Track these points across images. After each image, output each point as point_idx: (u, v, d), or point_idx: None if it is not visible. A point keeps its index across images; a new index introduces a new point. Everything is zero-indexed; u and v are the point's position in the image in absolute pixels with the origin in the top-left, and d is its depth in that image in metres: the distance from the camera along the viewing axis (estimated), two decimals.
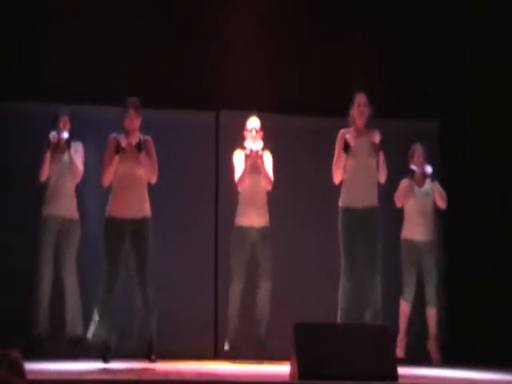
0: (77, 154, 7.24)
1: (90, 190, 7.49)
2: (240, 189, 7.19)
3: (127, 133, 6.52)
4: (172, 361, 6.76)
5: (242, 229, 7.15)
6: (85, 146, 7.36)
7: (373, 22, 8.23)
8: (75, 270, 7.15)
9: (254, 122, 7.26)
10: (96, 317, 6.35)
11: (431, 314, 7.45)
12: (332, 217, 7.15)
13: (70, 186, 7.24)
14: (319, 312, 7.27)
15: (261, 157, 7.15)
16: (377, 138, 6.78)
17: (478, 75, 8.14)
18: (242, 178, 7.15)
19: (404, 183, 7.54)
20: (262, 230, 7.17)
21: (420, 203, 7.50)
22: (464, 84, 8.21)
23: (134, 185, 6.47)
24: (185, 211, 7.88)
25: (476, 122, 8.16)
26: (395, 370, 4.98)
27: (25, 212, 7.43)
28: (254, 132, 7.21)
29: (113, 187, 6.54)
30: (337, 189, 6.97)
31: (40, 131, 7.26)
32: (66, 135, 7.15)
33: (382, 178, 6.80)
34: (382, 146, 6.76)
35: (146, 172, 6.51)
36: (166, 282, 7.40)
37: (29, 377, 3.13)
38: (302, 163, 8.10)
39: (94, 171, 7.19)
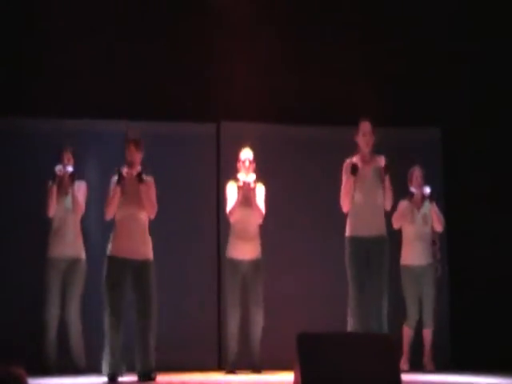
0: (79, 192, 7.24)
1: (96, 221, 7.38)
2: (232, 220, 7.20)
3: (128, 167, 6.40)
4: (176, 373, 6.76)
5: (233, 261, 7.16)
6: (86, 159, 7.36)
7: (373, 30, 8.23)
8: (79, 308, 7.16)
9: (247, 153, 7.24)
10: (107, 354, 6.21)
11: (427, 335, 7.50)
12: (334, 229, 7.19)
13: (74, 223, 7.21)
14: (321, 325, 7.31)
15: (253, 189, 7.14)
16: (382, 162, 6.76)
17: (479, 81, 8.16)
18: (233, 209, 7.16)
19: (402, 205, 7.53)
20: (254, 262, 7.16)
21: (418, 228, 7.52)
22: (465, 90, 8.23)
23: (136, 226, 6.32)
24: (186, 222, 7.88)
25: (477, 129, 8.17)
26: (399, 379, 4.97)
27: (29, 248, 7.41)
28: (247, 163, 7.20)
29: (114, 227, 6.38)
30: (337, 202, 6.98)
31: (39, 148, 7.27)
32: (70, 169, 7.17)
33: (389, 205, 6.79)
34: (388, 170, 6.73)
35: (145, 206, 6.35)
36: (170, 294, 7.40)
37: None
38: (302, 172, 8.11)
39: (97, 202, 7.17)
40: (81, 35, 7.75)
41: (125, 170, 6.37)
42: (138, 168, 6.40)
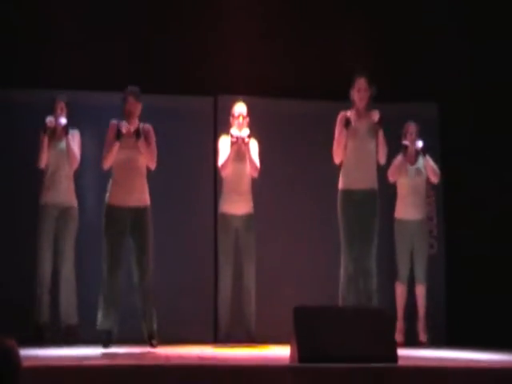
0: (74, 142, 7.18)
1: (89, 177, 7.49)
2: (223, 174, 7.17)
3: (127, 119, 6.52)
4: (172, 345, 6.78)
5: (225, 216, 7.16)
6: (84, 131, 7.35)
7: (371, 7, 8.21)
8: (73, 258, 7.11)
9: (240, 108, 7.21)
10: (101, 306, 6.36)
11: (420, 291, 7.50)
12: (325, 201, 7.21)
13: (67, 173, 7.18)
14: (314, 296, 7.32)
15: (247, 144, 7.09)
16: (376, 116, 6.80)
17: (478, 59, 8.14)
18: (225, 163, 7.11)
19: (397, 160, 7.57)
20: (246, 217, 7.15)
21: (412, 182, 7.55)
22: (463, 67, 8.20)
23: (134, 173, 6.48)
24: (183, 197, 7.88)
25: (476, 104, 8.16)
26: (395, 352, 4.99)
27: (24, 199, 7.41)
28: (240, 118, 7.15)
29: (112, 174, 6.54)
30: (330, 173, 6.99)
31: (38, 118, 7.24)
32: (63, 121, 7.13)
33: (382, 159, 6.84)
34: (382, 124, 6.78)
35: (145, 159, 6.53)
36: (166, 268, 7.42)
37: (27, 364, 3.12)
38: (299, 147, 8.11)
39: (93, 158, 7.18)
40: (77, 7, 7.71)
41: (124, 126, 6.49)
42: (136, 123, 6.52)
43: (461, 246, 7.93)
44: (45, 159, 7.12)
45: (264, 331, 7.17)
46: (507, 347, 6.55)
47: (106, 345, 6.34)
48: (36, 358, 5.36)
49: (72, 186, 7.19)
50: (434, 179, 7.58)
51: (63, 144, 7.17)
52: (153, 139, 6.61)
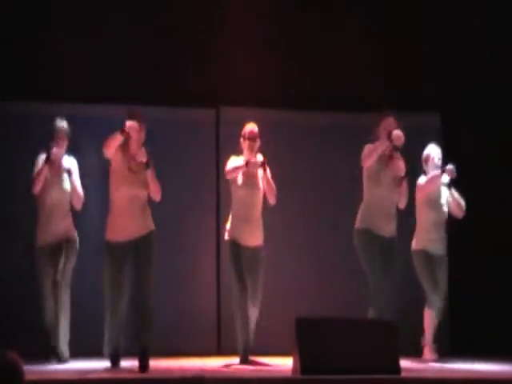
0: (74, 174, 6.78)
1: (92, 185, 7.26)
2: (229, 177, 6.64)
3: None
4: (175, 358, 6.76)
5: (235, 244, 6.60)
6: (84, 144, 7.29)
7: (374, 16, 8.22)
8: (69, 289, 6.63)
9: (252, 129, 6.72)
10: (107, 332, 6.03)
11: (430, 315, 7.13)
12: (333, 213, 7.18)
13: (67, 209, 6.77)
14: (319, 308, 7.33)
15: (261, 168, 6.61)
16: (402, 171, 6.65)
17: (479, 68, 8.16)
18: (234, 169, 6.57)
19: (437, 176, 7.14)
20: (256, 250, 6.63)
21: (438, 215, 7.21)
22: (465, 76, 8.21)
23: (137, 206, 6.09)
24: (186, 208, 7.85)
25: (478, 114, 8.17)
26: (397, 364, 4.98)
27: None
28: (254, 142, 6.65)
29: (113, 208, 6.11)
30: (337, 186, 6.92)
31: (35, 131, 7.24)
32: (63, 156, 6.73)
33: (403, 205, 6.72)
34: (407, 176, 6.66)
35: (152, 191, 6.16)
36: (169, 279, 7.42)
37: (30, 377, 3.12)
38: (301, 157, 8.11)
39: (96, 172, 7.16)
40: (79, 19, 7.73)
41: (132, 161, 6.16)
42: (144, 154, 6.10)
43: (462, 256, 7.89)
44: (41, 186, 6.66)
45: (267, 342, 7.13)
46: (508, 356, 6.54)
47: (114, 364, 6.08)
48: (39, 371, 5.36)
49: (70, 220, 6.79)
50: (460, 214, 7.24)
51: (63, 181, 6.74)
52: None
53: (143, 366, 5.70)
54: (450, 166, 7.01)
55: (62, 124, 6.70)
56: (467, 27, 8.19)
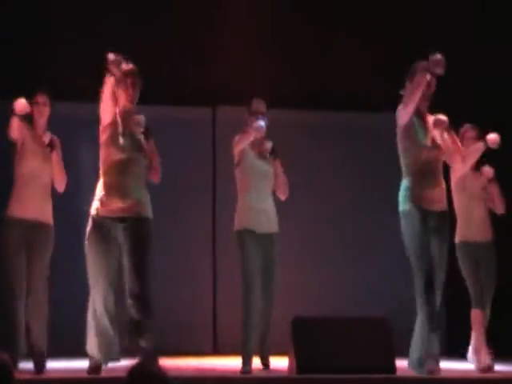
0: (58, 152, 6.01)
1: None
2: (237, 149, 6.07)
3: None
4: (171, 357, 6.76)
5: (247, 232, 5.94)
6: (80, 143, 7.23)
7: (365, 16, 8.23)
8: (45, 281, 5.81)
9: (258, 105, 6.27)
10: (91, 333, 5.29)
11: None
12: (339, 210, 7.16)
13: (45, 181, 5.90)
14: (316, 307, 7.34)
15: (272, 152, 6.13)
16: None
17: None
18: (242, 138, 6.05)
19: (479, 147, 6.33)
20: (269, 237, 6.01)
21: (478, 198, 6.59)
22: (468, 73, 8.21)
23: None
24: (182, 207, 7.86)
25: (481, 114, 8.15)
26: (393, 363, 4.98)
27: None
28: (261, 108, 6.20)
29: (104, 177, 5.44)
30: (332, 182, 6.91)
31: None
32: (48, 136, 5.97)
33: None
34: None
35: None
36: (164, 277, 7.40)
37: (21, 376, 3.10)
38: (298, 157, 8.12)
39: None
40: (75, 19, 7.73)
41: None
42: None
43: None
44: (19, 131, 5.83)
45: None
46: (505, 356, 6.53)
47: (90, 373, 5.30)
48: (30, 370, 5.33)
49: (50, 204, 5.91)
50: (501, 210, 6.58)
51: (44, 153, 5.90)
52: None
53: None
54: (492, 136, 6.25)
55: (43, 89, 6.04)
56: (468, 27, 8.19)
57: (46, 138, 5.89)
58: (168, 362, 6.21)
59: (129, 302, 5.20)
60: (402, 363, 5.21)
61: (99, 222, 5.29)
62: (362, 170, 8.17)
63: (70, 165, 6.14)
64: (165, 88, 7.93)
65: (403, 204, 5.50)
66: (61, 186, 5.91)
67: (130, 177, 5.37)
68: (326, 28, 8.19)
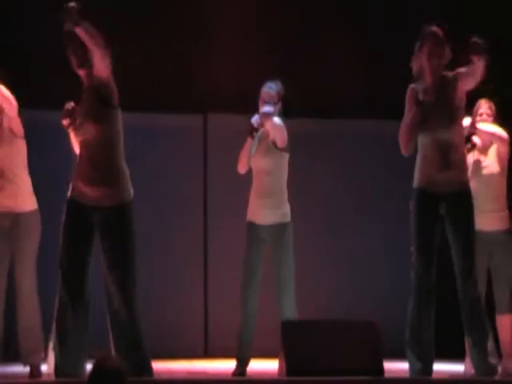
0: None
1: None
2: (240, 170, 5.88)
3: None
4: (162, 360, 6.80)
5: (250, 225, 5.81)
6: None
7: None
8: (34, 280, 5.35)
9: (269, 90, 6.00)
10: (56, 343, 4.84)
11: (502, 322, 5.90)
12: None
13: (19, 164, 5.36)
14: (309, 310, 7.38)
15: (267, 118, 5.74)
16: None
17: None
18: (239, 156, 5.83)
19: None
20: (275, 228, 5.77)
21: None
22: None
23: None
24: (173, 215, 7.89)
25: None
26: (381, 365, 5.06)
27: None
28: (268, 96, 5.92)
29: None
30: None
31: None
32: None
33: None
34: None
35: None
36: (155, 282, 7.46)
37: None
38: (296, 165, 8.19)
39: None
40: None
41: None
42: None
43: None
44: None
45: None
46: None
47: None
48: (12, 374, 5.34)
49: (26, 184, 5.37)
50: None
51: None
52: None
53: None
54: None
55: None
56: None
57: None
58: (159, 366, 6.28)
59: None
60: (392, 365, 5.29)
61: None
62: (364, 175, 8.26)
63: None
64: (155, 96, 7.96)
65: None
66: None
67: None
68: (321, 34, 8.20)
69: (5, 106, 5.33)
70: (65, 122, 4.96)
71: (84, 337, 4.81)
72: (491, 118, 5.89)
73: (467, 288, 5.16)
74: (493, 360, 5.20)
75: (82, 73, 5.12)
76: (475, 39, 4.95)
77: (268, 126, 5.77)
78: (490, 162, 5.89)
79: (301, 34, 8.23)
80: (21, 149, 5.40)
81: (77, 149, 5.06)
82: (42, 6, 7.43)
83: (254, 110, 7.66)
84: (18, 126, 5.38)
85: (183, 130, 8.07)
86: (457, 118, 5.18)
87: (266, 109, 5.78)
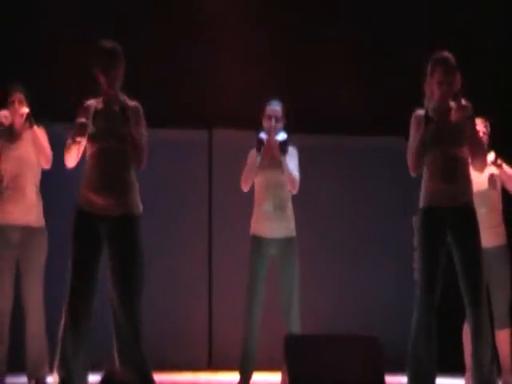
0: (42, 137, 5.69)
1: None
2: (244, 188, 5.93)
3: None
4: (166, 372, 6.80)
5: (255, 239, 5.87)
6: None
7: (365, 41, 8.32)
8: (41, 294, 5.53)
9: (273, 107, 6.06)
10: (60, 355, 4.79)
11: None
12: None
13: (31, 182, 5.61)
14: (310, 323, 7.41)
15: (279, 148, 5.79)
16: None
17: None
18: (245, 175, 5.87)
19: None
20: (283, 242, 5.87)
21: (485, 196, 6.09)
22: None
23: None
24: (178, 228, 7.93)
25: None
26: (383, 379, 5.10)
27: None
28: (273, 121, 5.94)
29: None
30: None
31: None
32: (25, 110, 5.60)
33: None
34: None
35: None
36: (159, 292, 7.49)
37: None
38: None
39: None
40: (67, 34, 7.74)
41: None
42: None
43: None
44: None
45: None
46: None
47: None
48: None
49: (39, 202, 5.63)
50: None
51: (25, 147, 5.63)
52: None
53: None
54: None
55: (17, 85, 5.75)
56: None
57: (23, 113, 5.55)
58: (164, 377, 6.32)
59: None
60: (393, 379, 5.32)
61: None
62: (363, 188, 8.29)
63: None
64: (161, 111, 7.98)
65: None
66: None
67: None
68: (325, 50, 8.23)
69: (41, 158, 5.63)
70: (78, 139, 4.95)
71: (87, 349, 4.81)
72: (486, 136, 6.00)
73: (474, 307, 5.13)
74: (492, 375, 5.19)
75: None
76: (463, 103, 5.04)
77: (282, 161, 5.82)
78: (485, 178, 5.96)
79: (305, 51, 8.27)
80: (39, 170, 5.73)
81: (73, 161, 4.98)
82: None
83: (258, 125, 7.74)
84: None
85: (189, 145, 8.10)
86: (464, 134, 5.15)
87: (282, 136, 5.84)
